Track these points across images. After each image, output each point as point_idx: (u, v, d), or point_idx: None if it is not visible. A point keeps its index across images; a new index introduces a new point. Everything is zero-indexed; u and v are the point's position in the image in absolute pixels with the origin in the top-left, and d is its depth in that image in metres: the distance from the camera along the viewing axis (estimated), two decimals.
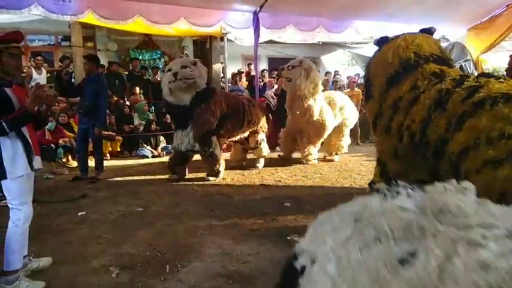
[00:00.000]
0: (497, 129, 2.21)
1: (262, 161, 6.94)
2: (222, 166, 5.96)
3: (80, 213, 4.35)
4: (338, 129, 7.44)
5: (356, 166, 6.97)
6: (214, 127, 5.75)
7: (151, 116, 9.10)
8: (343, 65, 14.97)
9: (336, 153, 7.69)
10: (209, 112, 5.65)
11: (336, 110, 7.21)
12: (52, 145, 6.87)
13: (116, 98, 9.01)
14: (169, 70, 5.57)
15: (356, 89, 10.57)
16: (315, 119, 6.76)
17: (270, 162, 7.17)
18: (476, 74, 3.68)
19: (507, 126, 2.20)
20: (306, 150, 7.12)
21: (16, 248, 2.68)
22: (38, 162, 2.84)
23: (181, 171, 6.06)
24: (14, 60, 2.76)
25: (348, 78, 12.12)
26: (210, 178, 5.83)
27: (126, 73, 9.94)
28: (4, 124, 2.53)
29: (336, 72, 12.66)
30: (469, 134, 2.35)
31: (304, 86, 6.52)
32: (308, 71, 6.59)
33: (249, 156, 7.19)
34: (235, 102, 6.20)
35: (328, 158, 7.67)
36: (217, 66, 10.68)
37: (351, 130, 10.25)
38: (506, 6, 8.25)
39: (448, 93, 2.64)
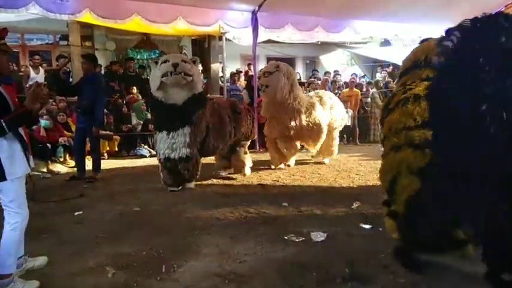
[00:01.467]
0: (402, 122, 2.79)
1: (248, 169, 6.26)
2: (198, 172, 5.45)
3: (76, 213, 4.33)
4: (328, 131, 6.97)
5: (354, 166, 6.95)
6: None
7: (149, 116, 9.06)
8: (342, 64, 14.98)
9: (326, 157, 7.32)
10: (205, 121, 5.23)
11: (327, 109, 6.82)
12: (48, 144, 6.83)
13: (115, 97, 9.00)
14: (165, 61, 4.88)
15: (355, 89, 10.56)
16: (304, 123, 6.40)
17: (268, 162, 7.16)
18: None
19: (409, 119, 2.75)
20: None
21: (13, 252, 2.62)
22: (31, 162, 2.81)
23: (171, 178, 5.28)
24: (5, 57, 2.73)
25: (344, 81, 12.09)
26: (190, 185, 5.35)
27: (121, 72, 9.88)
28: (4, 124, 2.49)
29: (336, 72, 12.63)
30: (387, 126, 2.98)
31: (287, 91, 6.13)
32: (288, 75, 6.21)
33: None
34: (219, 115, 5.58)
35: (318, 160, 7.38)
36: (215, 66, 10.67)
37: (350, 130, 10.33)
38: (505, 6, 8.25)
39: (392, 94, 3.28)
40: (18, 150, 2.62)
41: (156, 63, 5.00)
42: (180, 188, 5.26)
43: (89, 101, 5.76)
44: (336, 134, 7.27)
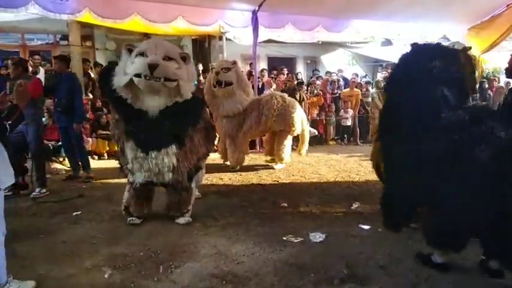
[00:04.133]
0: None
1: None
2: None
3: (75, 213, 4.32)
4: (278, 135, 6.62)
5: (355, 166, 6.93)
6: None
7: None
8: (344, 64, 14.94)
9: (278, 162, 6.79)
10: (202, 140, 4.08)
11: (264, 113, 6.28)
12: (50, 144, 6.81)
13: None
14: (141, 54, 3.58)
15: (355, 89, 10.52)
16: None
17: (267, 163, 7.14)
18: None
19: None
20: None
21: (2, 263, 2.53)
22: None
23: (141, 209, 4.01)
24: None
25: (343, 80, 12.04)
26: (181, 220, 3.93)
27: None
28: (8, 127, 2.42)
29: (340, 71, 12.60)
30: None
31: (241, 89, 6.24)
32: (240, 72, 6.27)
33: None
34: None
35: (270, 163, 6.95)
36: None
37: (351, 129, 10.30)
38: (507, 6, 8.21)
39: None
40: (6, 156, 2.52)
41: (130, 50, 3.68)
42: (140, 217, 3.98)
43: (67, 100, 5.79)
44: (286, 140, 6.66)
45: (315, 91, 10.14)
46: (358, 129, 10.34)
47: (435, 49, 3.03)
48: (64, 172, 6.62)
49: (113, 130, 3.95)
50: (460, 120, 2.57)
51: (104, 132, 7.84)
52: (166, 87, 3.59)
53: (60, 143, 6.99)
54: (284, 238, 3.49)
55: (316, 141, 9.26)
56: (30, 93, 2.84)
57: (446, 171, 2.55)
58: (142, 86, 3.55)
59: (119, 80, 3.60)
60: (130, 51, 3.67)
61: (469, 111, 2.64)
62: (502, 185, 2.40)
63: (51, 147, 6.84)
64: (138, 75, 3.50)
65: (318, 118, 9.92)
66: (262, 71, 10.40)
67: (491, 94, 10.36)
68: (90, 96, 8.79)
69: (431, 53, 2.93)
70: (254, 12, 7.84)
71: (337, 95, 10.65)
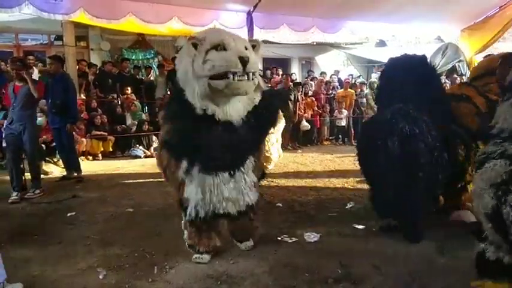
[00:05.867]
0: None
1: None
2: None
3: (69, 214, 4.30)
4: None
5: (349, 166, 6.94)
6: None
7: (143, 116, 9.05)
8: (339, 65, 14.98)
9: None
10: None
11: None
12: (43, 144, 6.80)
13: (110, 97, 8.98)
14: (217, 47, 2.67)
15: (349, 89, 10.57)
16: None
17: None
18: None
19: None
20: None
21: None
22: None
23: (210, 242, 3.09)
24: None
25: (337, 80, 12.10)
26: (244, 246, 3.27)
27: (116, 72, 9.83)
28: None
29: (336, 72, 12.66)
30: None
31: None
32: None
33: None
34: None
35: None
36: None
37: (345, 130, 10.34)
38: (499, 7, 8.29)
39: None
40: None
41: (195, 45, 2.72)
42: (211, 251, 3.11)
43: (62, 100, 5.80)
44: (270, 138, 6.71)
45: (309, 92, 10.18)
46: (352, 130, 10.38)
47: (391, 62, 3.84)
48: (58, 173, 6.61)
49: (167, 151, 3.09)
50: (382, 117, 3.29)
51: (99, 132, 7.83)
52: (254, 85, 2.77)
53: (54, 144, 6.98)
54: (279, 238, 3.49)
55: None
56: None
57: (373, 156, 3.28)
58: (230, 88, 2.64)
59: (192, 86, 2.73)
60: (196, 45, 2.72)
61: (390, 111, 3.23)
62: (405, 168, 3.08)
63: (45, 148, 6.82)
64: (222, 76, 2.60)
65: (312, 118, 9.97)
66: None
67: None
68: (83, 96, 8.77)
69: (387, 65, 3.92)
70: (249, 13, 7.87)
71: (332, 95, 10.70)
